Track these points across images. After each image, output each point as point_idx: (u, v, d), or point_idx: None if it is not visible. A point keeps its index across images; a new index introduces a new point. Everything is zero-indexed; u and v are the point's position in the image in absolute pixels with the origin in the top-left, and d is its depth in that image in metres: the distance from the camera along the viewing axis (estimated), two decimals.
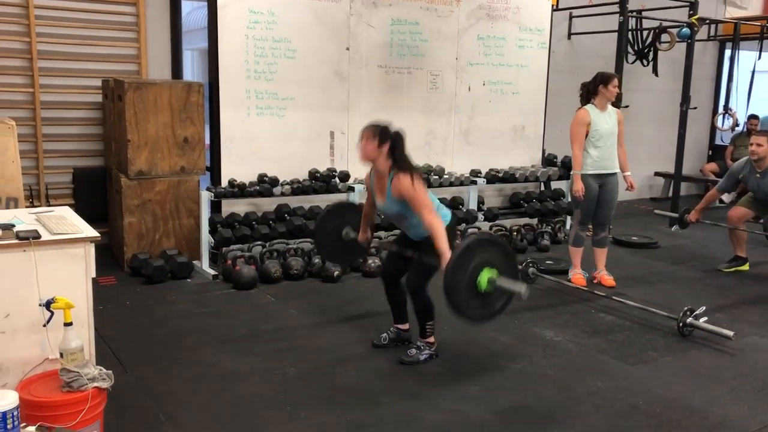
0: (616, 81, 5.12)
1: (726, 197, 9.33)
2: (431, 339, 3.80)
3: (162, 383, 3.41)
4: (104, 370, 2.68)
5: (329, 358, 3.80)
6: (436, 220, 3.46)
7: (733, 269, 5.88)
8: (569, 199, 5.55)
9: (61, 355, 2.63)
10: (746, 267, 5.90)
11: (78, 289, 2.80)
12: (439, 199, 6.28)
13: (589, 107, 5.15)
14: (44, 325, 2.67)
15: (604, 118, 5.13)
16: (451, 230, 3.66)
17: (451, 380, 3.55)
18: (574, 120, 5.17)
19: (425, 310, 3.74)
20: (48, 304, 2.64)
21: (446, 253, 3.34)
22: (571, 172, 5.24)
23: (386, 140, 3.57)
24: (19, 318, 2.70)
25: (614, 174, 5.24)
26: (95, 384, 2.59)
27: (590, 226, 5.46)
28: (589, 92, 5.18)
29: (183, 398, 3.27)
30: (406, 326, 3.98)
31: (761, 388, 3.58)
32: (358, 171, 6.09)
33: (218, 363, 3.68)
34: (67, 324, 2.64)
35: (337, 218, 4.16)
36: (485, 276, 3.29)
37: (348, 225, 4.13)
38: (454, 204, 6.51)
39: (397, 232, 4.14)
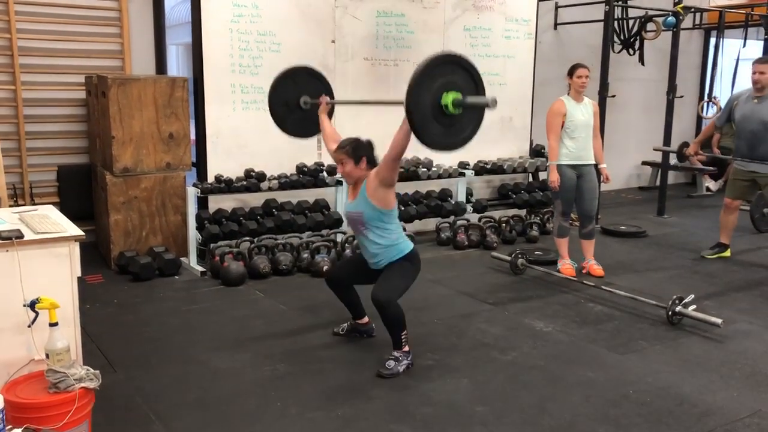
0: (581, 71, 5.17)
1: (713, 185, 9.42)
2: (407, 348, 3.58)
3: (151, 382, 3.39)
4: (91, 370, 2.66)
5: (320, 353, 3.78)
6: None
7: (716, 255, 5.93)
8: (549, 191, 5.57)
9: (47, 355, 2.60)
10: (728, 253, 5.96)
11: (63, 289, 2.78)
12: (427, 191, 6.40)
13: (564, 98, 5.24)
14: (29, 326, 2.65)
15: (579, 110, 5.19)
16: (415, 258, 3.64)
17: (442, 373, 3.54)
18: (550, 110, 5.25)
19: (397, 323, 3.50)
20: (33, 305, 2.62)
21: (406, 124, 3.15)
22: (547, 163, 5.27)
23: (361, 156, 3.57)
24: (3, 319, 2.67)
25: (591, 165, 5.29)
26: (82, 384, 2.57)
27: (573, 216, 5.49)
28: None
29: (173, 397, 3.25)
30: (365, 320, 3.95)
31: (750, 374, 3.60)
32: None
33: (208, 360, 3.66)
34: (53, 324, 2.61)
35: (291, 84, 3.93)
36: (450, 96, 3.03)
37: (304, 92, 3.95)
38: (442, 196, 6.51)
39: None
